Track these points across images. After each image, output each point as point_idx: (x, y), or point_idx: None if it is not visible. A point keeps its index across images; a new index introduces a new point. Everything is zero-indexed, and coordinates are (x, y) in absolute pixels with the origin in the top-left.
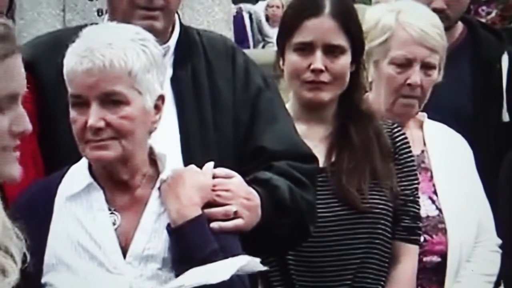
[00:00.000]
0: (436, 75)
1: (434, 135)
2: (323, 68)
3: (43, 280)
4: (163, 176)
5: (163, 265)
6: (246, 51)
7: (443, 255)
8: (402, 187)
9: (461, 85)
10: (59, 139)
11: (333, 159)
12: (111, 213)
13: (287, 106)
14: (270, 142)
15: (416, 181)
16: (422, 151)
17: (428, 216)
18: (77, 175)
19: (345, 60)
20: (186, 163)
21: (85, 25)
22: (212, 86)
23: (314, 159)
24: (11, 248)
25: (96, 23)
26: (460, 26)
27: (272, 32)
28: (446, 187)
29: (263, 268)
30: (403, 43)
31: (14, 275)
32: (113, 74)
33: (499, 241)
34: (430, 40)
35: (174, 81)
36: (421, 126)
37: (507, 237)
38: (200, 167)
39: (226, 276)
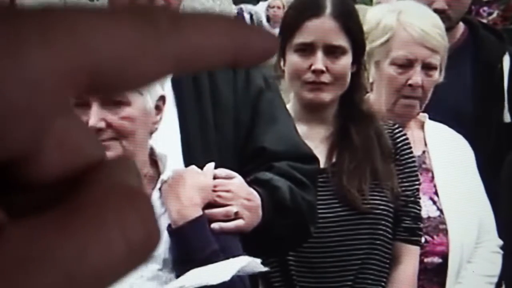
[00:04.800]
0: (437, 76)
1: (435, 135)
2: (324, 69)
3: None
4: (163, 176)
5: (163, 266)
6: None
7: (444, 256)
8: (403, 188)
9: (462, 86)
10: None
11: (333, 159)
12: None
13: (288, 106)
14: (270, 142)
15: (417, 182)
16: (423, 152)
17: (429, 217)
18: None
19: (346, 61)
20: (186, 164)
21: None
22: (213, 87)
23: (315, 159)
24: None
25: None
26: (461, 26)
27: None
28: (447, 188)
29: (264, 268)
30: (404, 44)
31: None
32: None
33: (500, 242)
34: (431, 41)
35: (175, 81)
36: (422, 126)
37: (508, 238)
38: (201, 167)
39: (226, 277)
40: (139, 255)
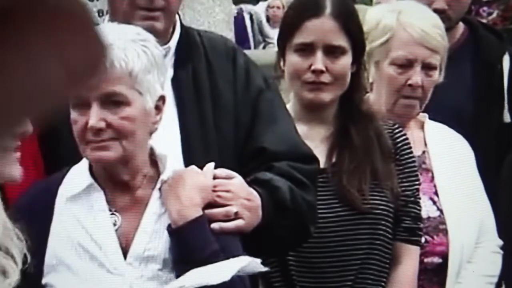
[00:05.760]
0: (437, 76)
1: (435, 135)
2: (323, 69)
3: (43, 281)
4: (163, 176)
5: (163, 266)
6: (246, 51)
7: (444, 256)
8: (403, 188)
9: (462, 86)
10: (59, 140)
11: (333, 159)
12: (112, 214)
13: (288, 106)
14: (270, 142)
15: (417, 182)
16: (423, 152)
17: (429, 217)
18: (78, 176)
19: (345, 61)
20: (186, 164)
21: None
22: (213, 87)
23: (315, 159)
24: (11, 249)
25: (97, 24)
26: (461, 26)
27: (273, 33)
28: (447, 188)
29: (264, 268)
30: (404, 44)
31: (14, 275)
32: (113, 74)
33: (500, 242)
34: (431, 41)
35: (175, 82)
36: (422, 126)
37: (508, 238)
38: (201, 167)
39: (226, 277)
40: (80, 77)
